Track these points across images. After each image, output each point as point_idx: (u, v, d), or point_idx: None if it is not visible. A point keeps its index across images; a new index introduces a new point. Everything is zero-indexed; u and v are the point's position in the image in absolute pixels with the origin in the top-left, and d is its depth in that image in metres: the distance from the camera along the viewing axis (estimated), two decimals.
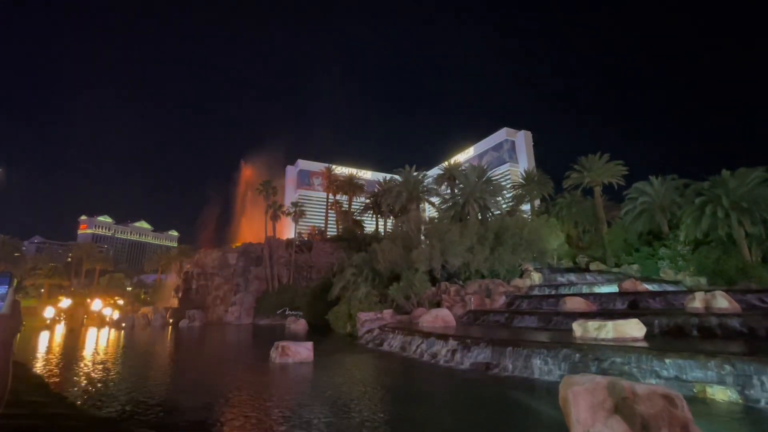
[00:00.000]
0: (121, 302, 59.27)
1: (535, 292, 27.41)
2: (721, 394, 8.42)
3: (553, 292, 25.88)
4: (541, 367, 11.46)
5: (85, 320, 50.22)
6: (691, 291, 18.93)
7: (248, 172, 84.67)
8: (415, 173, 57.59)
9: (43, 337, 29.43)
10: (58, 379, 12.84)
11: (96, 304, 51.63)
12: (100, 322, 48.04)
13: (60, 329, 38.97)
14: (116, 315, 49.42)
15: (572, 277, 31.39)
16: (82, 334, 32.59)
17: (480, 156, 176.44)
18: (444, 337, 15.98)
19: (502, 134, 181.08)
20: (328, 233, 71.74)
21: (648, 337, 12.71)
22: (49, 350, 22.24)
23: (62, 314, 53.59)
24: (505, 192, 52.05)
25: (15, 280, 1.39)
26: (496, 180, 48.84)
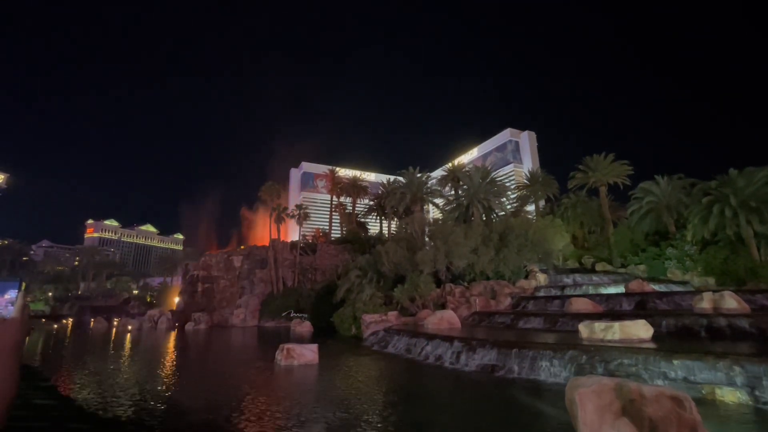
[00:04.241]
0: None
1: (541, 293, 27.28)
2: (731, 396, 8.32)
3: (558, 293, 25.74)
4: (548, 369, 11.39)
5: (92, 323, 50.61)
6: (699, 291, 18.75)
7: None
8: (418, 175, 57.56)
9: (51, 340, 29.70)
10: (65, 382, 12.95)
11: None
12: (107, 325, 48.35)
13: (67, 332, 39.30)
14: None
15: (578, 277, 31.20)
16: (90, 337, 32.85)
17: (484, 157, 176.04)
18: (449, 338, 15.93)
19: (506, 135, 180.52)
20: (332, 235, 71.81)
21: (655, 338, 12.59)
22: (57, 353, 22.43)
23: (69, 318, 54.10)
24: (509, 193, 51.86)
25: (24, 285, 1.41)
26: (501, 181, 48.67)
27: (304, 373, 14.02)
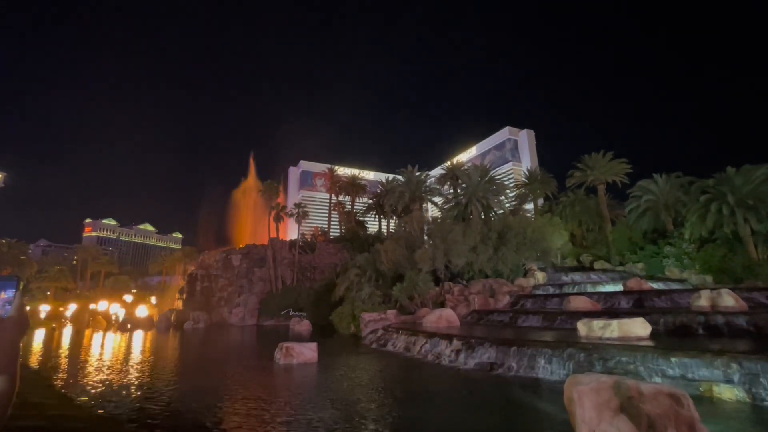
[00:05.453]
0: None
1: (539, 291, 27.33)
2: (728, 393, 8.36)
3: (557, 292, 25.79)
4: (546, 367, 11.42)
5: (90, 322, 50.52)
6: (696, 289, 18.80)
7: (252, 176, 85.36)
8: (417, 173, 57.53)
9: (49, 340, 29.63)
10: (63, 381, 12.93)
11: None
12: (106, 324, 48.30)
13: (66, 331, 39.22)
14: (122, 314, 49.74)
15: (576, 276, 31.28)
16: (88, 336, 32.80)
17: (482, 155, 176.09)
18: (448, 337, 15.95)
19: (504, 133, 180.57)
20: (331, 234, 71.77)
21: (653, 335, 12.63)
22: (54, 352, 22.39)
23: (67, 317, 54.05)
24: (508, 191, 51.85)
25: (21, 284, 1.40)
26: (499, 179, 48.67)
27: (304, 372, 14.03)
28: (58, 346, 25.66)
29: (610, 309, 18.54)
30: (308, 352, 15.73)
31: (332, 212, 76.51)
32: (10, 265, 75.51)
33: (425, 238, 35.60)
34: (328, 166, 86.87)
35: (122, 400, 10.07)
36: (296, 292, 48.27)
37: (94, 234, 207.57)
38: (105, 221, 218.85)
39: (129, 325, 41.71)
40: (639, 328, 12.53)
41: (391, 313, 25.78)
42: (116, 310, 50.52)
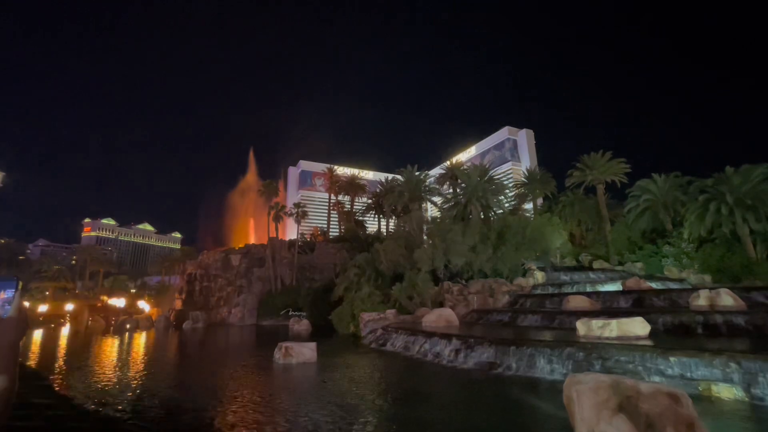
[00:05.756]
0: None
1: (539, 290, 27.34)
2: (727, 392, 8.37)
3: (556, 291, 25.81)
4: (545, 366, 11.43)
5: (89, 322, 50.44)
6: (695, 289, 18.83)
7: (252, 173, 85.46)
8: (416, 173, 57.58)
9: (48, 340, 29.59)
10: (62, 381, 12.91)
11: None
12: (105, 324, 48.25)
13: (65, 331, 39.17)
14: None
15: (575, 275, 31.29)
16: (87, 337, 32.75)
17: (482, 155, 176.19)
18: (447, 336, 15.95)
19: (504, 133, 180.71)
20: (330, 234, 71.79)
21: (652, 335, 12.64)
22: (54, 352, 22.36)
23: (67, 317, 53.98)
24: (507, 191, 51.89)
25: (20, 284, 1.40)
26: (498, 179, 48.69)
27: (303, 372, 14.02)
28: (57, 347, 25.62)
29: (609, 308, 18.56)
30: (307, 351, 15.72)
31: (331, 212, 76.55)
32: (8, 264, 75.43)
33: (424, 237, 35.60)
34: (328, 165, 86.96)
35: (121, 400, 10.06)
36: (295, 292, 48.25)
37: (93, 234, 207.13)
38: (104, 221, 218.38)
39: (128, 325, 41.64)
40: (638, 327, 12.55)
41: (391, 313, 25.77)
42: (116, 302, 50.62)
